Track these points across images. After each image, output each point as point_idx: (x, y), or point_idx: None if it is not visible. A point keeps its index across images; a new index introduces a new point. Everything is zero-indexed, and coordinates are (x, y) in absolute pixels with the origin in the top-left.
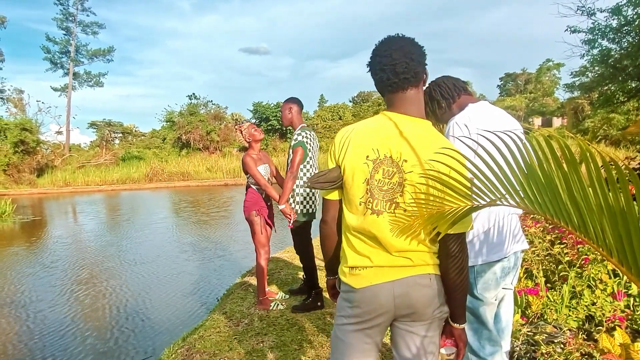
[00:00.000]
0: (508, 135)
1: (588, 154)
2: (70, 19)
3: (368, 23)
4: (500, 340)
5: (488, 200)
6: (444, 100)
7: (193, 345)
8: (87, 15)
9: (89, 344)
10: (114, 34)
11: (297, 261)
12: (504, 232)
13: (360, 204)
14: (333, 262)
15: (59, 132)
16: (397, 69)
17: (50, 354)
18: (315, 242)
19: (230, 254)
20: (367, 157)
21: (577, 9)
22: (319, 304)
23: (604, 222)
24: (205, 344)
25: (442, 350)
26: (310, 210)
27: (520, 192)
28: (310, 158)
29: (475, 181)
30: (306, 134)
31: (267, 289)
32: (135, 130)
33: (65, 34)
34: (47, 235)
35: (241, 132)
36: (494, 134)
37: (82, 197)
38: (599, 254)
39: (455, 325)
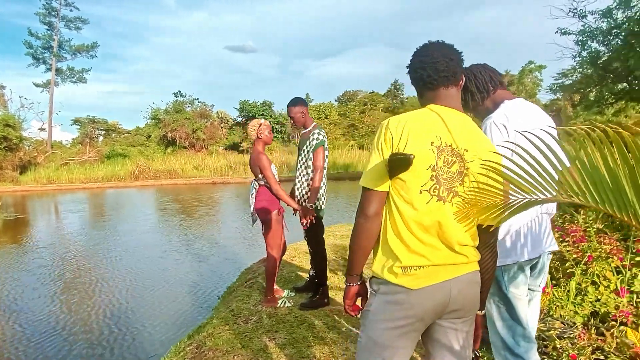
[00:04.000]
0: (570, 131)
1: None
2: (53, 13)
3: (355, 22)
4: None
5: (549, 195)
6: (478, 93)
7: (203, 343)
8: (71, 10)
9: (84, 347)
10: (98, 29)
11: (298, 259)
12: (534, 233)
13: (421, 192)
14: (362, 265)
15: (42, 129)
16: (438, 67)
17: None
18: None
19: (225, 252)
20: (432, 143)
21: (569, 11)
22: (325, 300)
23: None
24: (216, 341)
25: None
26: (324, 206)
27: (582, 187)
28: (327, 156)
29: (534, 176)
30: (324, 132)
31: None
32: (119, 128)
33: (47, 29)
34: (34, 233)
35: (260, 125)
36: (546, 131)
37: (68, 195)
38: (603, 252)
39: (479, 312)
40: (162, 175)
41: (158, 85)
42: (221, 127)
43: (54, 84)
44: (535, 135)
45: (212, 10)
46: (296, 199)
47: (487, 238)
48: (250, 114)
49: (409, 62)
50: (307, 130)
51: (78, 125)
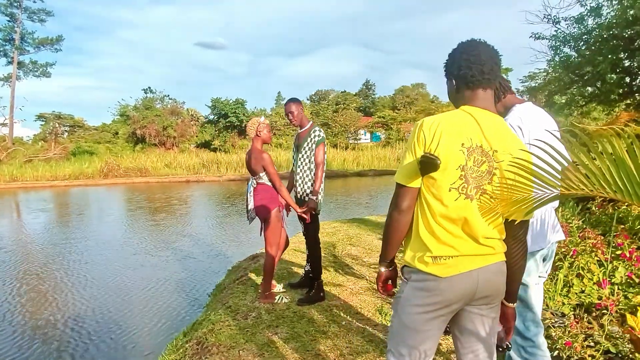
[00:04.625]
0: (597, 131)
1: None
2: (16, 4)
3: (326, 21)
4: None
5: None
6: None
7: (205, 339)
8: (34, 2)
9: (75, 347)
10: (62, 22)
11: (289, 256)
12: (545, 224)
13: (450, 190)
14: (394, 253)
15: (3, 124)
16: (484, 69)
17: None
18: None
19: (209, 250)
20: (463, 144)
21: (544, 17)
22: (321, 294)
23: None
24: (218, 337)
25: None
26: (322, 201)
27: (610, 182)
28: (325, 152)
29: (562, 172)
30: (322, 130)
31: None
32: (85, 124)
33: (9, 21)
34: (9, 233)
35: (260, 123)
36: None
37: (34, 193)
38: (588, 246)
39: (510, 304)
40: (133, 173)
41: (125, 80)
42: (192, 125)
43: (15, 77)
44: (560, 135)
45: (181, 5)
46: (298, 195)
47: (516, 231)
48: (223, 112)
49: (451, 57)
50: (304, 128)
51: (42, 120)
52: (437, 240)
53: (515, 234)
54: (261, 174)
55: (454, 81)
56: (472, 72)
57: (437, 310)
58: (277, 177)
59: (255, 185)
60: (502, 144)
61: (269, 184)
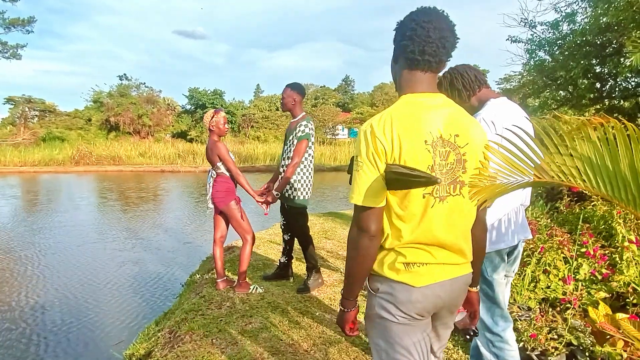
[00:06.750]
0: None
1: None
2: None
3: (309, 15)
4: None
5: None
6: (465, 91)
7: (178, 328)
8: None
9: (44, 340)
10: (35, 3)
11: (263, 248)
12: (513, 223)
13: (424, 197)
14: (361, 287)
15: None
16: (426, 48)
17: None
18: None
19: (182, 241)
20: (426, 142)
21: (521, 21)
22: (320, 280)
23: None
24: (191, 326)
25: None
26: (309, 197)
27: (582, 174)
28: (310, 147)
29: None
30: (311, 125)
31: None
32: (56, 109)
33: None
34: None
35: (212, 117)
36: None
37: (2, 179)
38: (555, 243)
39: (474, 289)
40: (106, 162)
41: (100, 66)
42: (168, 114)
43: None
44: (501, 136)
45: None
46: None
47: (479, 214)
48: (200, 102)
49: (402, 21)
50: (294, 120)
51: (11, 104)
52: (411, 245)
53: (480, 217)
54: (218, 164)
55: (395, 48)
56: (412, 47)
57: (414, 320)
58: (234, 165)
59: (214, 176)
60: (459, 127)
61: (228, 174)
